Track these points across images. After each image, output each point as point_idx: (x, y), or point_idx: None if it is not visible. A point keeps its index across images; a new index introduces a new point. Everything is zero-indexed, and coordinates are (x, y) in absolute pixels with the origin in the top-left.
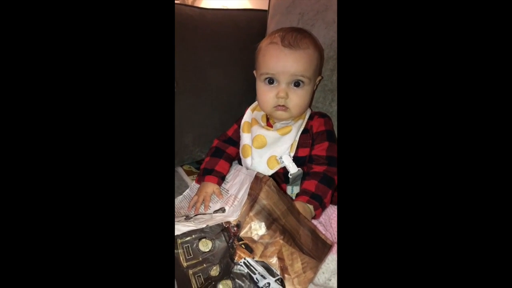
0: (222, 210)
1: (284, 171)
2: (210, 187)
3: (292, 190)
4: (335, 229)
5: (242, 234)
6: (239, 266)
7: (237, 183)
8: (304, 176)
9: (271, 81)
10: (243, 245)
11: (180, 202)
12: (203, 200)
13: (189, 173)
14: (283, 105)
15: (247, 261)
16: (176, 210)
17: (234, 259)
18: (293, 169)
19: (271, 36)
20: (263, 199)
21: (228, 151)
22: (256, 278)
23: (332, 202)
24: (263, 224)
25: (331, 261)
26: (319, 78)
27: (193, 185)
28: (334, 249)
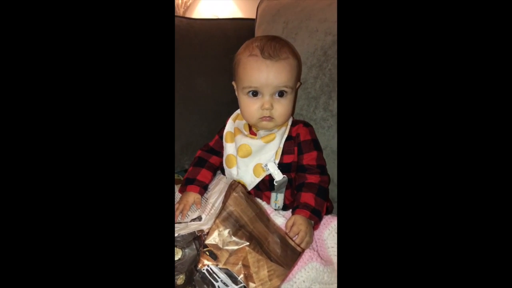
0: (199, 218)
1: (269, 178)
2: (191, 196)
3: (277, 197)
4: (316, 236)
5: (207, 240)
6: (201, 274)
7: (217, 192)
8: (300, 187)
9: (254, 93)
10: (207, 252)
11: None
12: (182, 209)
13: (177, 181)
14: (268, 116)
15: (210, 268)
16: None
17: (197, 266)
18: (278, 176)
19: (249, 48)
20: (230, 206)
21: (210, 161)
22: (218, 286)
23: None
24: (229, 230)
25: (311, 269)
26: (299, 84)
27: (177, 195)
28: (316, 257)
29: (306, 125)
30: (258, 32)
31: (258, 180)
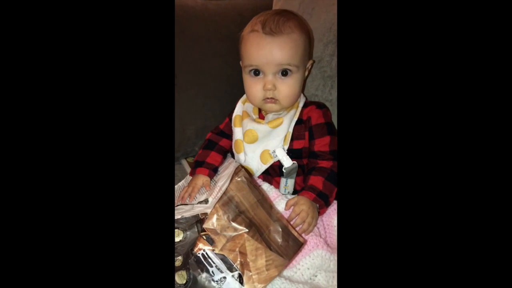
0: (206, 201)
1: (279, 163)
2: (200, 179)
3: (286, 182)
4: (326, 222)
5: (205, 225)
6: (196, 258)
7: (226, 176)
8: (310, 171)
9: (256, 72)
10: (204, 236)
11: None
12: (191, 191)
13: (192, 165)
14: (271, 98)
15: (206, 253)
16: None
17: (193, 250)
18: (287, 162)
19: (252, 23)
20: (232, 190)
21: (220, 143)
22: (212, 271)
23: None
24: (228, 215)
25: (316, 257)
26: (311, 62)
27: (188, 177)
28: (322, 244)
29: (320, 106)
30: None
31: (265, 167)
